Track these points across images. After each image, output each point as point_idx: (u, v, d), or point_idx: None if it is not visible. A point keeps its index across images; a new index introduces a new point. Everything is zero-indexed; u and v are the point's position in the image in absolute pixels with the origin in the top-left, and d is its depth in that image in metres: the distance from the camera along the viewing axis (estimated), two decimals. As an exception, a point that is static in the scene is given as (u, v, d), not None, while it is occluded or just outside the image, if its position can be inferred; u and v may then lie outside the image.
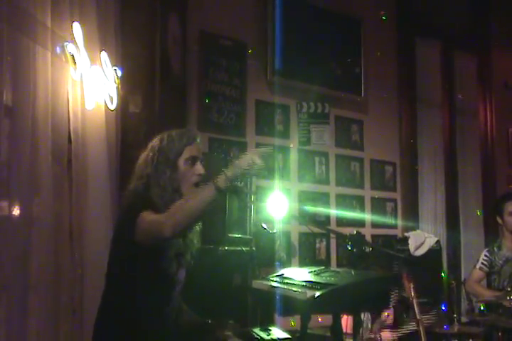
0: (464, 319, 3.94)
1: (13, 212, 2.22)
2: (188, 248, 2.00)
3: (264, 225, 2.89)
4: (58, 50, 2.48)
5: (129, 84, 2.94)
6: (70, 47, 2.52)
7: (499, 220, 3.97)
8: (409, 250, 4.11)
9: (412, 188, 4.86)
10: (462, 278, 4.59)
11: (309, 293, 1.81)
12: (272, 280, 2.17)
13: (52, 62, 2.44)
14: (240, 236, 2.94)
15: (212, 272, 2.66)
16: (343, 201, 4.38)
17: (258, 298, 2.40)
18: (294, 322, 2.95)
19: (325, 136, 4.27)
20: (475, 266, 3.92)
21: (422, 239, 4.20)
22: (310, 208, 4.10)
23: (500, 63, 5.73)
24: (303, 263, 3.96)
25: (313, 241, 4.13)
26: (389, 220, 4.68)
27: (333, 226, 4.23)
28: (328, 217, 4.26)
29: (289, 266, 3.74)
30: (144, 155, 2.00)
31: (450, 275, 4.61)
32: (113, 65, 2.82)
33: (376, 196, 4.63)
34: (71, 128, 2.56)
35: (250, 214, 3.05)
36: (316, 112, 4.24)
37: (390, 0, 4.90)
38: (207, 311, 2.19)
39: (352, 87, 4.47)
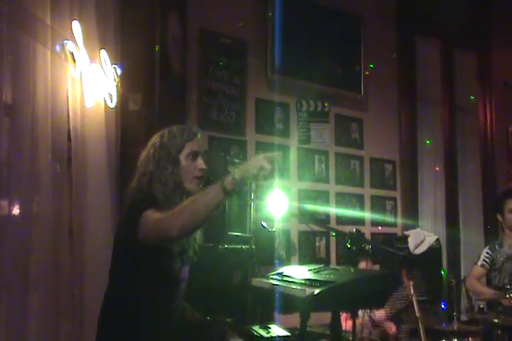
0: (463, 317, 3.94)
1: (13, 211, 2.23)
2: (190, 245, 2.00)
3: (264, 223, 2.89)
4: (58, 48, 2.48)
5: (128, 82, 2.94)
6: (69, 46, 2.52)
7: (499, 218, 3.98)
8: (409, 248, 4.12)
9: (412, 186, 4.86)
10: (462, 276, 4.60)
11: (308, 291, 1.81)
12: (272, 278, 2.17)
13: (52, 60, 2.44)
14: (239, 234, 2.94)
15: (211, 270, 2.66)
16: (342, 199, 4.38)
17: (258, 295, 2.40)
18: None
19: (325, 134, 4.27)
20: (476, 263, 3.93)
21: (422, 238, 4.21)
22: (310, 206, 4.10)
23: (500, 62, 5.73)
24: (302, 262, 3.96)
25: (313, 240, 4.13)
26: (389, 218, 4.68)
27: (332, 224, 4.24)
28: (327, 216, 4.26)
29: (289, 264, 3.75)
30: (145, 152, 2.00)
31: (450, 273, 4.61)
32: (112, 63, 2.82)
33: (376, 194, 4.63)
34: (71, 127, 2.56)
35: (250, 213, 3.06)
36: (316, 110, 4.24)
37: (390, -2, 4.90)
38: (206, 309, 2.19)
39: (352, 85, 4.47)
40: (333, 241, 4.21)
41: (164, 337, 1.93)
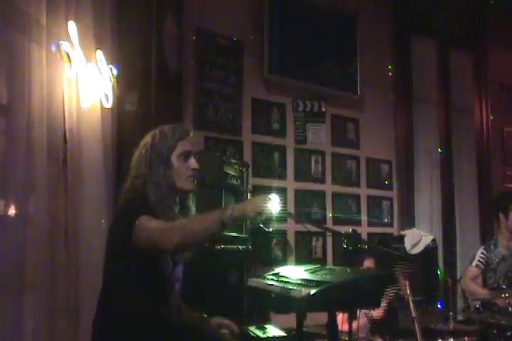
0: (459, 317, 3.95)
1: (9, 212, 2.22)
2: None
3: (261, 224, 2.88)
4: (53, 48, 2.48)
5: (124, 83, 2.94)
6: (65, 46, 2.52)
7: (501, 217, 3.95)
8: (405, 248, 4.12)
9: (408, 186, 4.86)
10: (458, 276, 4.61)
11: (304, 291, 1.81)
12: (268, 279, 2.17)
13: (48, 61, 2.44)
14: (236, 234, 2.94)
15: (208, 270, 2.66)
16: (339, 199, 4.39)
17: (254, 296, 2.39)
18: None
19: (321, 134, 4.27)
20: (471, 263, 3.94)
21: (418, 238, 4.22)
22: (306, 207, 4.11)
23: (496, 62, 5.74)
24: (299, 262, 3.96)
25: (310, 240, 4.14)
26: (385, 219, 4.69)
27: (329, 224, 4.24)
28: (324, 216, 4.26)
29: (285, 264, 3.75)
30: (137, 153, 1.99)
31: (446, 273, 4.62)
32: (108, 63, 2.81)
33: (372, 194, 4.64)
34: (66, 127, 2.56)
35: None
36: (312, 111, 4.25)
37: (386, -2, 4.91)
38: (203, 309, 2.19)
39: (348, 85, 4.48)
40: (329, 241, 4.21)
41: (159, 337, 1.92)
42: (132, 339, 1.88)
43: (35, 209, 2.36)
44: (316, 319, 2.20)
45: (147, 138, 1.99)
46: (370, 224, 4.56)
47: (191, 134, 2.01)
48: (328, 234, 4.11)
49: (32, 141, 2.34)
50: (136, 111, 2.99)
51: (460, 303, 4.24)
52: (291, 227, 3.99)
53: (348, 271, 2.09)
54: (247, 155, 3.87)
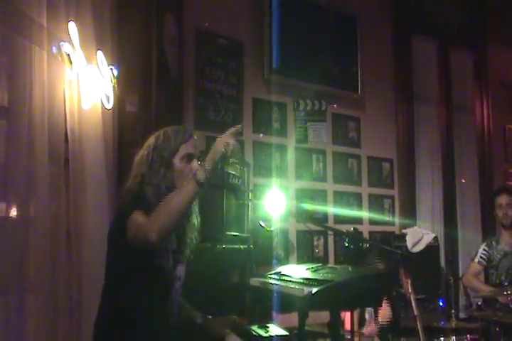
0: (461, 314, 3.96)
1: (11, 213, 2.23)
2: (185, 244, 1.99)
3: (262, 223, 2.89)
4: (54, 49, 2.48)
5: (125, 84, 2.94)
6: (66, 47, 2.52)
7: (494, 214, 4.03)
8: (406, 247, 4.13)
9: (410, 185, 4.87)
10: (460, 274, 4.61)
11: (306, 290, 1.81)
12: (270, 278, 2.18)
13: (49, 62, 2.44)
14: (237, 234, 2.94)
15: (210, 270, 2.66)
16: (340, 198, 4.39)
17: (256, 295, 2.41)
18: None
19: (322, 133, 4.28)
20: (473, 260, 3.95)
21: (420, 236, 4.22)
22: (308, 205, 4.11)
23: (496, 60, 5.74)
24: (301, 261, 3.97)
25: (311, 239, 4.14)
26: (386, 217, 4.69)
27: (330, 223, 4.24)
28: (325, 215, 4.27)
29: (287, 263, 3.75)
30: (140, 154, 1.99)
31: (448, 271, 4.63)
32: (109, 64, 2.82)
33: (374, 193, 4.64)
34: (68, 128, 2.57)
35: (248, 212, 3.06)
36: (313, 110, 4.25)
37: (386, -3, 4.91)
38: (205, 309, 2.20)
39: (349, 84, 4.48)
40: (331, 240, 4.21)
41: (161, 336, 1.92)
42: (133, 338, 1.88)
43: (36, 210, 2.36)
44: (318, 318, 2.21)
45: (150, 140, 1.99)
46: (371, 223, 4.56)
47: (195, 137, 2.00)
48: (329, 232, 4.11)
49: (33, 142, 2.35)
50: (137, 111, 3.00)
51: (462, 301, 4.24)
52: (292, 226, 4.00)
53: (350, 269, 2.10)
54: (248, 155, 3.88)
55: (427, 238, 4.21)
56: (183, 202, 1.76)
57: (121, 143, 2.92)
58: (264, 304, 2.40)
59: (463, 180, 5.25)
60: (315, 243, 4.16)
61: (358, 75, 4.49)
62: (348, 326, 2.18)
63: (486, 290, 3.67)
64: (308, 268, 2.16)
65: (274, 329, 2.23)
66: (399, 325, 3.40)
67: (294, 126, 4.17)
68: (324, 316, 2.02)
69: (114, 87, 2.83)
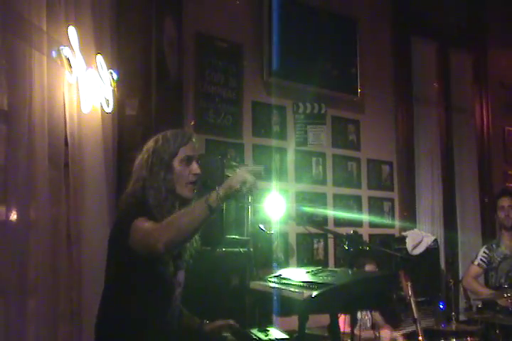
0: (462, 317, 3.95)
1: (11, 217, 2.23)
2: (185, 250, 1.99)
3: (262, 226, 2.90)
4: (54, 54, 2.49)
5: (125, 87, 2.95)
6: (65, 51, 2.53)
7: (496, 217, 4.03)
8: (406, 249, 4.13)
9: (409, 187, 4.87)
10: (460, 277, 4.61)
11: (306, 293, 1.81)
12: (270, 281, 2.17)
13: (48, 66, 2.45)
14: (237, 237, 2.94)
15: (210, 273, 2.66)
16: (340, 201, 4.39)
17: (256, 298, 2.41)
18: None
19: (321, 136, 4.28)
20: (473, 262, 3.96)
21: (420, 238, 4.22)
22: (307, 208, 4.11)
23: (495, 62, 5.75)
24: (301, 264, 3.97)
25: (311, 242, 4.14)
26: (386, 220, 4.69)
27: (330, 226, 4.24)
28: (325, 218, 4.27)
29: (287, 266, 3.75)
30: (139, 158, 2.00)
31: (448, 273, 4.63)
32: (109, 68, 2.82)
33: (373, 195, 4.64)
34: (67, 132, 2.57)
35: (248, 215, 3.06)
36: (313, 113, 4.25)
37: (386, -1, 4.92)
38: (205, 312, 2.20)
39: (348, 87, 4.48)
40: (331, 243, 4.21)
41: (162, 340, 1.93)
42: None
43: (37, 213, 2.37)
44: (318, 321, 2.21)
45: (150, 143, 1.99)
46: (371, 226, 4.56)
47: (193, 140, 2.01)
48: (329, 235, 4.11)
49: (33, 145, 2.35)
50: (136, 115, 3.00)
51: (462, 304, 4.24)
52: (292, 229, 4.00)
53: (350, 272, 2.10)
54: (248, 158, 3.88)
55: (427, 240, 4.21)
56: (193, 222, 1.75)
57: (120, 147, 2.92)
58: (264, 307, 2.40)
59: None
60: (315, 246, 4.16)
61: (358, 78, 4.50)
62: (343, 328, 2.18)
63: (486, 292, 3.68)
64: (308, 272, 2.16)
65: (274, 333, 2.23)
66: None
67: (294, 129, 4.18)
68: (324, 319, 2.02)
69: (113, 90, 2.84)
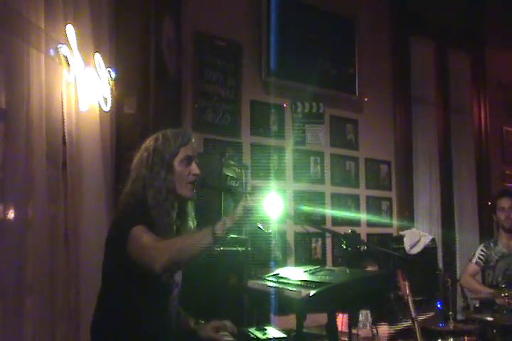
0: (459, 316, 3.96)
1: (8, 215, 2.22)
2: None
3: (260, 225, 2.89)
4: (52, 52, 2.48)
5: (123, 86, 2.94)
6: (63, 50, 2.52)
7: (494, 218, 4.04)
8: (404, 248, 4.13)
9: (407, 187, 4.88)
10: (457, 276, 4.62)
11: (304, 292, 1.81)
12: (268, 280, 2.17)
13: (46, 65, 2.44)
14: (235, 236, 2.94)
15: (208, 272, 2.66)
16: (338, 200, 4.39)
17: (254, 297, 2.40)
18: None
19: (320, 135, 4.28)
20: (470, 260, 3.97)
21: (417, 238, 4.22)
22: (305, 208, 4.11)
23: (494, 62, 5.76)
24: (299, 263, 3.97)
25: (309, 241, 4.14)
26: (384, 219, 4.70)
27: (328, 225, 4.25)
28: (323, 217, 4.27)
29: (285, 265, 3.75)
30: (138, 156, 1.98)
31: (445, 273, 4.64)
32: (107, 67, 2.82)
33: (371, 195, 4.65)
34: (65, 130, 2.56)
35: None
36: (311, 112, 4.26)
37: (384, -1, 4.92)
38: (203, 312, 2.19)
39: (346, 86, 4.49)
40: (329, 242, 4.22)
41: None
42: None
43: (34, 212, 2.36)
44: (316, 320, 2.21)
45: (149, 142, 1.98)
46: (369, 225, 4.57)
47: (193, 140, 2.01)
48: (327, 234, 4.12)
49: (31, 144, 2.34)
50: (134, 114, 3.00)
51: (460, 303, 4.25)
52: (290, 228, 4.00)
53: (348, 271, 2.10)
54: (246, 157, 3.88)
55: (425, 240, 4.21)
56: (196, 247, 1.75)
57: (119, 146, 2.92)
58: (262, 306, 2.40)
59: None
60: (313, 245, 4.17)
61: (356, 77, 4.50)
62: (340, 327, 2.18)
63: (484, 291, 3.68)
64: (306, 271, 2.16)
65: (272, 332, 2.23)
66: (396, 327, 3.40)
67: (292, 128, 4.18)
68: (322, 318, 2.02)
69: (111, 89, 2.83)
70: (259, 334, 2.19)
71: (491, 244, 3.97)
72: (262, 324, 2.36)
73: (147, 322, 1.88)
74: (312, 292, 1.80)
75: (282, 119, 4.14)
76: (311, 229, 3.98)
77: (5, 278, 2.19)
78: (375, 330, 3.08)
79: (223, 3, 3.89)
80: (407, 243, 4.14)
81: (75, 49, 2.56)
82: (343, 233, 2.41)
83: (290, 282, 2.03)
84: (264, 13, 3.99)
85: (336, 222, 4.33)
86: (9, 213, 2.23)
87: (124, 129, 2.96)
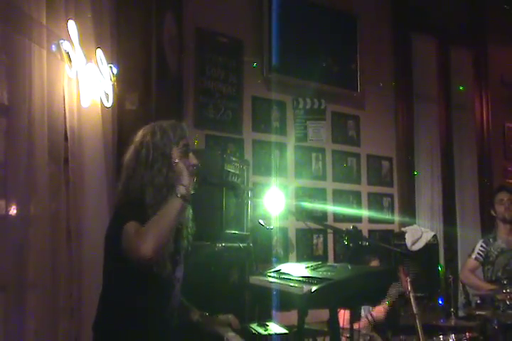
0: (460, 313, 3.96)
1: (10, 211, 2.22)
2: (181, 247, 1.96)
3: (262, 221, 2.89)
4: (54, 48, 2.47)
5: (125, 82, 2.94)
6: (65, 45, 2.51)
7: (492, 212, 4.05)
8: (406, 245, 4.13)
9: (409, 183, 4.87)
10: (459, 272, 4.62)
11: (306, 288, 1.82)
12: (269, 276, 2.18)
13: (48, 60, 2.43)
14: (237, 232, 2.95)
15: (209, 268, 2.67)
16: (339, 196, 4.40)
17: (255, 293, 2.41)
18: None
19: (321, 131, 4.28)
20: (470, 256, 3.98)
21: (419, 234, 4.22)
22: (307, 204, 4.12)
23: (496, 58, 5.74)
24: (300, 259, 3.98)
25: (311, 237, 4.15)
26: (386, 215, 4.70)
27: (330, 221, 4.25)
28: (325, 213, 4.27)
29: (287, 261, 3.76)
30: (132, 151, 1.90)
31: (447, 269, 4.64)
32: (109, 63, 2.81)
33: (373, 191, 4.65)
34: (67, 126, 2.56)
35: (247, 211, 3.06)
36: (313, 108, 4.25)
37: (386, -4, 4.91)
38: (204, 308, 2.20)
39: (348, 82, 4.48)
40: (330, 238, 4.22)
41: (161, 338, 1.91)
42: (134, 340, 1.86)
43: (36, 209, 2.36)
44: (318, 316, 2.21)
45: (146, 136, 1.89)
46: (371, 221, 4.57)
47: (187, 132, 1.96)
48: (329, 231, 4.12)
49: (33, 140, 2.34)
50: (136, 110, 2.99)
51: (461, 299, 4.25)
52: (292, 224, 4.00)
53: (349, 268, 2.10)
54: (248, 153, 3.88)
55: (427, 236, 4.21)
56: (171, 217, 1.73)
57: (120, 142, 2.91)
58: (263, 302, 2.40)
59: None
60: (314, 241, 4.17)
61: (358, 74, 4.50)
62: (342, 323, 2.19)
63: (485, 287, 3.69)
64: (308, 267, 2.17)
65: (274, 328, 2.23)
66: (398, 323, 3.41)
67: (294, 125, 4.18)
68: (323, 314, 2.03)
69: (113, 85, 2.82)
70: (260, 330, 2.19)
71: (491, 240, 3.98)
72: (263, 320, 2.37)
73: (149, 318, 1.87)
74: (314, 288, 1.81)
75: (284, 115, 4.14)
76: (313, 226, 3.98)
77: (7, 274, 2.19)
78: (370, 317, 3.10)
79: (225, -1, 3.89)
80: (408, 239, 4.14)
81: (76, 45, 2.55)
82: (344, 229, 2.40)
83: (292, 278, 2.03)
84: (265, 10, 3.99)
85: (338, 218, 4.34)
86: (11, 209, 2.23)
87: (125, 125, 2.95)
